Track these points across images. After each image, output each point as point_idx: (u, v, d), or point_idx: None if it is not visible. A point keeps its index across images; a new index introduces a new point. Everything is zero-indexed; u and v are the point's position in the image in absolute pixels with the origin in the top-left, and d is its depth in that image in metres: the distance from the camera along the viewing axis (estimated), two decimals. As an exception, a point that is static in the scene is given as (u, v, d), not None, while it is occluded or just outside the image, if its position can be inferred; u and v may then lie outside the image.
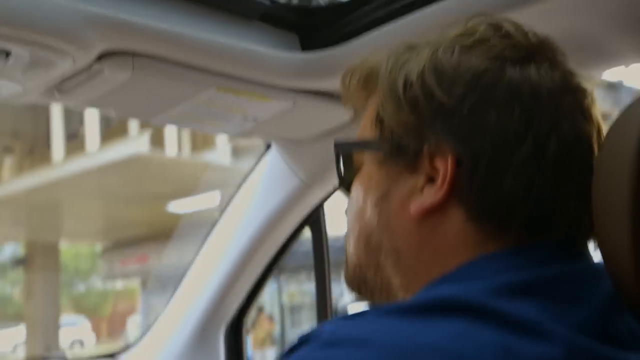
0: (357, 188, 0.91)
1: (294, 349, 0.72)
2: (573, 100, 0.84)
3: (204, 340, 1.94)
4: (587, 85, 0.86)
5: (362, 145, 0.91)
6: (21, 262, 14.93)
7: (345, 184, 0.95)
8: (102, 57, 1.16)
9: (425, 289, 0.79)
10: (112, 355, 2.13)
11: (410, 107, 0.83)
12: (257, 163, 1.80)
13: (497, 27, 0.86)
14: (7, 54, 1.08)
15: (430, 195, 0.81)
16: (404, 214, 0.84)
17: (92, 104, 1.31)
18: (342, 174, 0.95)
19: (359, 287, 0.92)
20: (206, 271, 1.91)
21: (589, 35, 1.20)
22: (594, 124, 0.85)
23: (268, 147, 1.77)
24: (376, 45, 1.22)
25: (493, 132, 0.79)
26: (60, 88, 1.24)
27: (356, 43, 1.29)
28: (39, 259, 13.74)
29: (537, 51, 0.85)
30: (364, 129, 0.91)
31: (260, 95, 1.38)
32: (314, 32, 1.34)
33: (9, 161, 13.87)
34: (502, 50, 0.83)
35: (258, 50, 1.28)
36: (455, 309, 0.70)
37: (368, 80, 0.92)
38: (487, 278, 0.75)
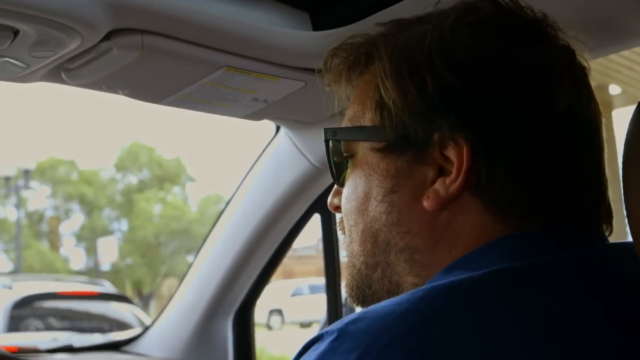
0: (356, 179, 0.85)
1: (307, 347, 0.70)
2: (581, 78, 0.82)
3: (213, 328, 1.93)
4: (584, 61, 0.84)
5: (362, 132, 0.85)
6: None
7: (339, 174, 0.89)
8: (111, 35, 1.13)
9: (437, 277, 0.76)
10: (117, 344, 2.12)
11: (418, 93, 0.78)
12: (266, 146, 1.78)
13: (497, 4, 0.82)
14: (16, 32, 1.05)
15: (444, 188, 0.78)
16: (416, 208, 0.80)
17: (99, 84, 1.28)
18: (335, 163, 0.89)
19: (363, 292, 0.86)
20: (215, 257, 1.90)
21: (605, 13, 1.18)
22: (597, 102, 0.83)
23: (277, 130, 1.75)
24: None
25: (512, 120, 0.76)
26: (67, 68, 1.21)
27: (369, 22, 1.26)
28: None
29: (542, 27, 0.82)
30: (357, 114, 0.86)
31: (271, 75, 1.35)
32: (325, 10, 1.31)
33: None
34: (510, 29, 0.80)
35: (268, 29, 1.25)
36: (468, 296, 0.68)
37: (357, 62, 0.88)
38: (502, 262, 0.72)
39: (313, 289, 19.58)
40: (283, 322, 19.64)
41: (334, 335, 0.67)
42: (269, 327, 19.16)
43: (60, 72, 1.23)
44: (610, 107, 7.27)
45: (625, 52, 6.53)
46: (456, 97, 0.77)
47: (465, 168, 0.76)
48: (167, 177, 27.06)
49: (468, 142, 0.76)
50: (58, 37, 1.06)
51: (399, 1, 1.21)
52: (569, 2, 1.13)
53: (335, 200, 0.91)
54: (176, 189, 28.12)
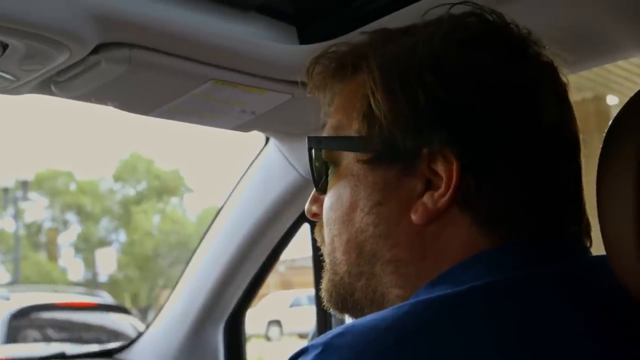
0: (340, 189, 0.84)
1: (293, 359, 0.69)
2: (562, 94, 0.83)
3: (203, 336, 1.94)
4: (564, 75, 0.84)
5: (347, 142, 0.84)
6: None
7: (322, 183, 0.88)
8: (99, 49, 1.15)
9: (422, 291, 0.76)
10: (110, 352, 2.13)
11: (409, 106, 0.77)
12: (255, 157, 1.80)
13: (485, 20, 0.82)
14: (4, 47, 1.07)
15: (432, 202, 0.77)
16: (404, 221, 0.79)
17: (89, 97, 1.30)
18: (318, 171, 0.88)
19: (344, 300, 0.85)
20: (205, 266, 1.91)
21: (587, 28, 1.20)
22: (575, 118, 0.84)
23: (267, 141, 1.77)
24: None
25: (500, 136, 0.76)
26: (56, 80, 1.23)
27: (355, 35, 1.28)
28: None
29: (527, 45, 0.82)
30: (341, 124, 0.85)
31: (258, 88, 1.37)
32: (312, 24, 1.33)
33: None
34: (498, 46, 0.80)
35: (255, 42, 1.27)
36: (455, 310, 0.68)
37: (341, 70, 0.87)
38: (486, 276, 0.72)
39: (312, 300, 19.14)
40: (282, 333, 19.55)
41: (319, 350, 0.66)
42: (268, 338, 19.08)
43: (49, 85, 1.25)
44: (607, 117, 7.32)
45: (623, 64, 6.54)
46: (447, 112, 0.76)
47: (454, 183, 0.76)
48: (165, 189, 27.02)
49: (458, 157, 0.76)
50: (46, 51, 1.08)
51: (385, 15, 1.22)
52: (551, 18, 1.15)
53: (314, 208, 0.91)
54: (175, 201, 28.05)
